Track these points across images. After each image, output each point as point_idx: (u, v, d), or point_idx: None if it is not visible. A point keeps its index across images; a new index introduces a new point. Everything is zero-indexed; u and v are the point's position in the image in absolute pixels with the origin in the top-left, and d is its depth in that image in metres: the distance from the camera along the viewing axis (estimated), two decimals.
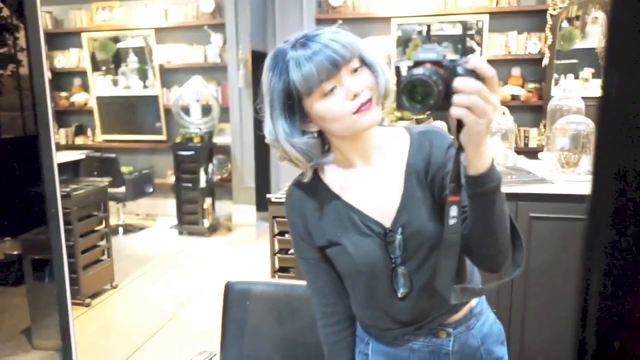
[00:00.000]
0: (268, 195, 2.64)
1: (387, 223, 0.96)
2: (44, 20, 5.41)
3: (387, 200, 0.96)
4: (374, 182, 0.97)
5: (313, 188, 0.99)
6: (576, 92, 3.05)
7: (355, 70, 0.89)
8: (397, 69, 0.77)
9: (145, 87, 5.43)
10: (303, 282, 1.33)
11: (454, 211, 0.80)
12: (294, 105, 0.90)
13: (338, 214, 0.97)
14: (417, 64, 0.76)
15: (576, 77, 4.30)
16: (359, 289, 0.99)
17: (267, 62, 0.92)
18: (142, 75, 5.43)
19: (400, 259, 0.95)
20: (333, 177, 0.99)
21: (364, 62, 0.91)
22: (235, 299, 1.32)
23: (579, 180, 2.07)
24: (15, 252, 3.02)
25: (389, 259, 0.95)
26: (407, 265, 0.95)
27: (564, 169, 2.17)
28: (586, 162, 2.16)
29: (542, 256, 1.97)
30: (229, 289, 1.33)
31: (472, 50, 4.54)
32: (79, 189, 3.18)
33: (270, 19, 4.67)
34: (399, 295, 0.96)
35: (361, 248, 0.95)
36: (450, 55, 0.76)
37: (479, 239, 0.86)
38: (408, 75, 0.75)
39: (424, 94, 0.74)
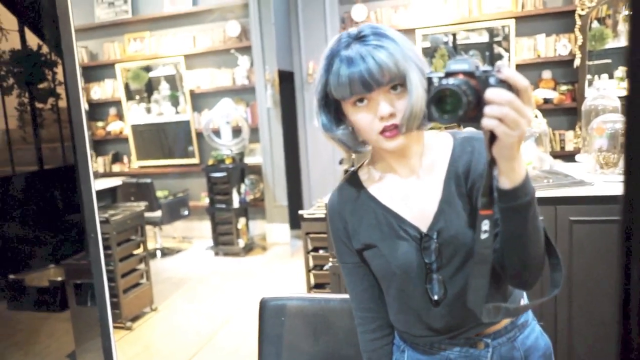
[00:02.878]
0: (300, 212, 2.64)
1: (424, 228, 0.94)
2: (80, 54, 5.65)
3: (425, 205, 0.95)
4: (412, 187, 0.97)
5: (353, 192, 1.01)
6: (612, 92, 2.96)
7: (394, 87, 0.87)
8: (429, 80, 0.77)
9: (177, 112, 5.58)
10: (337, 296, 1.32)
11: (485, 225, 0.78)
12: (329, 102, 0.93)
13: (376, 217, 0.97)
14: (449, 74, 0.75)
15: (610, 77, 4.17)
16: (393, 292, 0.98)
17: (326, 50, 0.92)
18: (174, 101, 5.57)
19: (436, 265, 0.93)
20: (373, 181, 1.00)
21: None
22: (271, 315, 1.32)
23: (620, 180, 1.99)
24: (59, 279, 3.11)
25: (424, 264, 0.93)
26: (442, 272, 0.93)
27: (603, 170, 2.10)
28: None
29: (585, 260, 1.90)
30: (264, 305, 1.33)
31: (500, 57, 4.48)
32: (117, 215, 3.27)
33: (295, 38, 4.74)
34: (433, 301, 0.94)
35: (396, 251, 0.94)
36: (483, 66, 0.75)
37: (510, 255, 0.83)
38: (438, 85, 0.75)
39: (453, 104, 0.73)
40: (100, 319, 2.39)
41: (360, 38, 0.87)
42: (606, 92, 2.54)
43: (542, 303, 1.94)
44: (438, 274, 0.93)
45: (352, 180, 1.02)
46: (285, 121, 5.08)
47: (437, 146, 0.98)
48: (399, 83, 0.86)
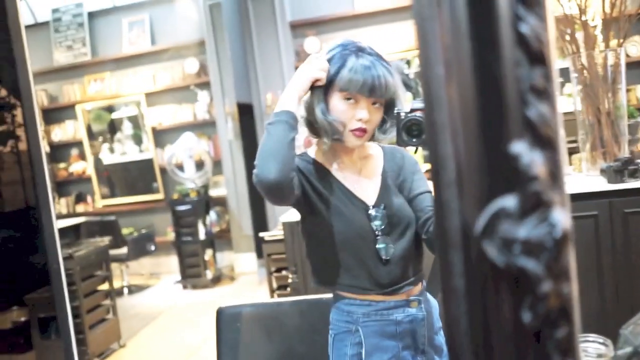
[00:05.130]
0: (261, 234, 2.74)
1: (370, 204, 1.17)
2: (40, 97, 5.67)
3: (368, 189, 1.19)
4: (356, 176, 1.19)
5: (307, 163, 1.19)
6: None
7: (374, 104, 1.12)
8: (398, 115, 1.09)
9: (141, 151, 5.63)
10: (288, 299, 1.42)
11: None
12: (324, 91, 1.13)
13: (331, 186, 1.17)
14: (413, 110, 1.06)
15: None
16: (352, 251, 1.14)
17: (333, 46, 1.14)
18: (137, 139, 5.63)
19: (382, 232, 1.13)
20: (326, 160, 1.21)
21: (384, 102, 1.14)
22: (227, 322, 1.41)
23: None
24: (23, 319, 3.07)
25: (372, 230, 1.14)
26: (389, 237, 1.14)
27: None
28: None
29: None
30: (220, 314, 1.42)
31: None
32: (80, 250, 3.28)
33: (252, 72, 4.91)
34: (383, 260, 1.13)
35: (353, 216, 1.14)
36: None
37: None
38: (406, 117, 1.05)
39: (419, 131, 1.04)
40: (65, 356, 2.39)
41: (369, 56, 1.10)
42: None
43: None
44: (385, 238, 1.13)
45: (304, 156, 1.21)
46: (247, 152, 5.20)
47: (373, 149, 1.24)
48: (379, 102, 1.13)
